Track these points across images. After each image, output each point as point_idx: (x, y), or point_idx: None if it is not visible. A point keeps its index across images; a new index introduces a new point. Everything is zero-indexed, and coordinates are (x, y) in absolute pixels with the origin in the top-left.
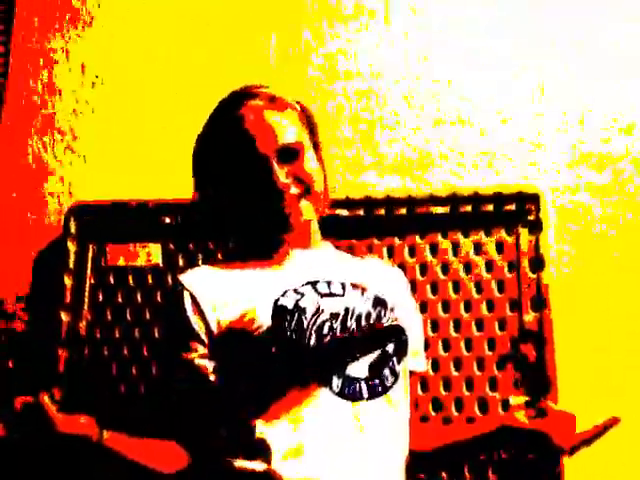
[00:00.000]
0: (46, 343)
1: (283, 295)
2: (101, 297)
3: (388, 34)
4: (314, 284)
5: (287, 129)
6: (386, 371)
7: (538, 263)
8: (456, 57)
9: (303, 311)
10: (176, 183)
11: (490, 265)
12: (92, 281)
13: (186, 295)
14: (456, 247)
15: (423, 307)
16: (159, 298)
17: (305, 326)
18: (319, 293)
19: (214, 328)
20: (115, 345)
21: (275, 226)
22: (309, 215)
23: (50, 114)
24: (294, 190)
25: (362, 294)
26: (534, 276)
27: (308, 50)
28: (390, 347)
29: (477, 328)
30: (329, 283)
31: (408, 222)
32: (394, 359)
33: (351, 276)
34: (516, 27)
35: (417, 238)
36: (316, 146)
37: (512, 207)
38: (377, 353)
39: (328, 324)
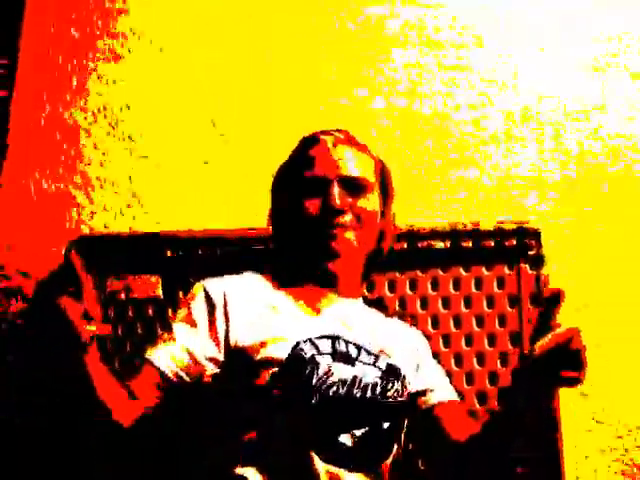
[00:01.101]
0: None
1: (305, 341)
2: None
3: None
4: (334, 340)
5: (356, 163)
6: (377, 446)
7: (540, 298)
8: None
9: (317, 366)
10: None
11: (491, 300)
12: None
13: (219, 297)
14: (457, 281)
15: None
16: (159, 330)
17: (314, 383)
18: (335, 351)
19: (231, 341)
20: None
21: (319, 249)
22: (354, 244)
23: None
24: (347, 217)
25: (375, 362)
26: (536, 311)
27: None
28: (386, 424)
29: (478, 362)
30: (347, 343)
31: (409, 256)
32: (388, 437)
33: (370, 339)
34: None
35: (418, 272)
36: (385, 197)
37: (513, 242)
38: (371, 428)
39: (334, 388)
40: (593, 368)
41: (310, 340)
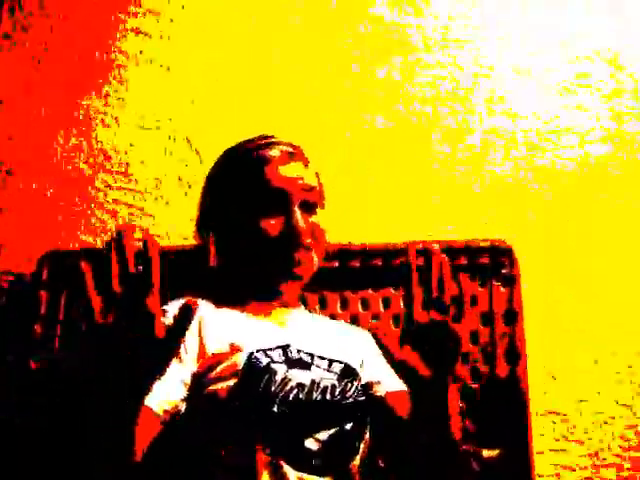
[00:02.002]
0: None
1: (258, 351)
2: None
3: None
4: (284, 349)
5: (309, 178)
6: (342, 448)
7: (512, 316)
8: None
9: (274, 374)
10: None
11: None
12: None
13: (195, 323)
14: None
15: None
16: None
17: (272, 390)
18: (288, 359)
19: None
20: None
21: (283, 272)
22: (315, 268)
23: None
24: (308, 239)
25: (329, 365)
26: (508, 329)
27: None
28: (349, 425)
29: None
30: (299, 351)
31: (384, 273)
32: (352, 437)
33: (321, 345)
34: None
35: (391, 290)
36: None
37: (485, 260)
38: (335, 430)
39: (293, 393)
40: (565, 386)
41: (263, 350)
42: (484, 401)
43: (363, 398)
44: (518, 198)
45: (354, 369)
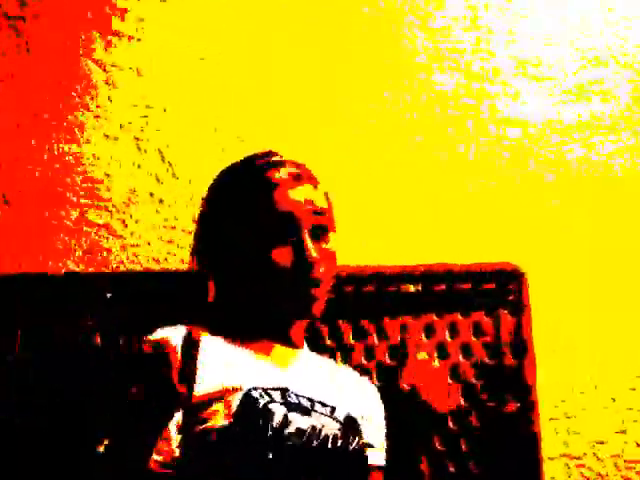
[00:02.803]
0: None
1: (256, 389)
2: None
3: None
4: (284, 392)
5: (320, 202)
6: None
7: (521, 347)
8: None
9: (271, 417)
10: None
11: (467, 349)
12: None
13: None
14: (429, 329)
15: None
16: None
17: (268, 435)
18: (287, 403)
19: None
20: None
21: (297, 310)
22: (325, 300)
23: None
24: (321, 269)
25: (331, 413)
26: (516, 362)
27: None
28: (347, 478)
29: (454, 421)
30: (298, 395)
31: (376, 301)
32: None
33: (323, 391)
34: None
35: (387, 319)
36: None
37: (492, 286)
38: None
39: (290, 441)
40: (580, 426)
41: (262, 389)
42: (489, 441)
43: (365, 453)
44: (528, 216)
45: (356, 419)
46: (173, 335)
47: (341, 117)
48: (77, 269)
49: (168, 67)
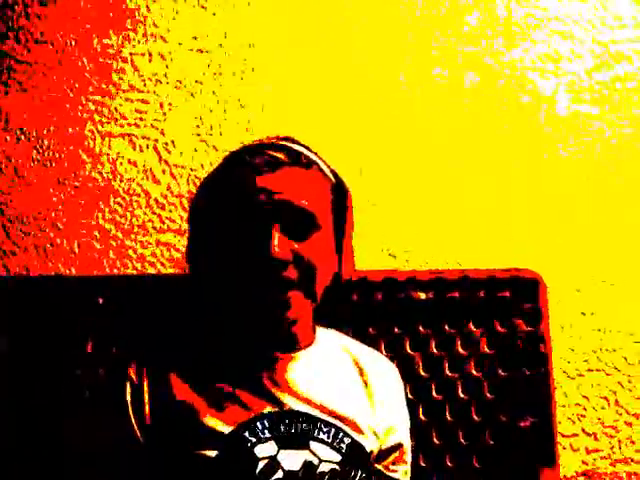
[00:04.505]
0: None
1: (239, 426)
2: None
3: None
4: (277, 418)
5: (299, 192)
6: None
7: (537, 359)
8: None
9: (256, 462)
10: None
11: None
12: None
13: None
14: (440, 339)
15: None
16: None
17: None
18: (280, 435)
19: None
20: None
21: (261, 331)
22: (306, 306)
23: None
24: (291, 273)
25: (335, 437)
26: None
27: None
28: None
29: (466, 437)
30: (296, 418)
31: (383, 309)
32: None
33: (329, 398)
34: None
35: (395, 329)
36: (341, 225)
37: (506, 294)
38: None
39: None
40: (600, 443)
41: (246, 425)
42: (502, 458)
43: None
44: (546, 222)
45: (363, 447)
46: None
47: (354, 119)
48: (68, 272)
49: (167, 62)
